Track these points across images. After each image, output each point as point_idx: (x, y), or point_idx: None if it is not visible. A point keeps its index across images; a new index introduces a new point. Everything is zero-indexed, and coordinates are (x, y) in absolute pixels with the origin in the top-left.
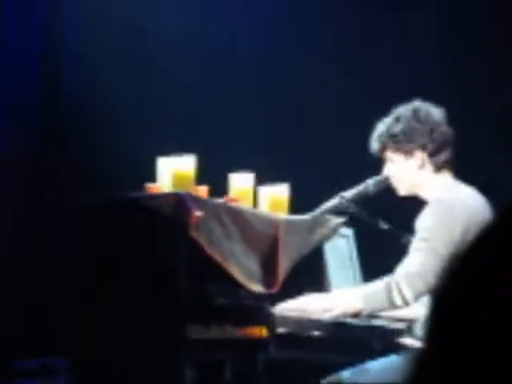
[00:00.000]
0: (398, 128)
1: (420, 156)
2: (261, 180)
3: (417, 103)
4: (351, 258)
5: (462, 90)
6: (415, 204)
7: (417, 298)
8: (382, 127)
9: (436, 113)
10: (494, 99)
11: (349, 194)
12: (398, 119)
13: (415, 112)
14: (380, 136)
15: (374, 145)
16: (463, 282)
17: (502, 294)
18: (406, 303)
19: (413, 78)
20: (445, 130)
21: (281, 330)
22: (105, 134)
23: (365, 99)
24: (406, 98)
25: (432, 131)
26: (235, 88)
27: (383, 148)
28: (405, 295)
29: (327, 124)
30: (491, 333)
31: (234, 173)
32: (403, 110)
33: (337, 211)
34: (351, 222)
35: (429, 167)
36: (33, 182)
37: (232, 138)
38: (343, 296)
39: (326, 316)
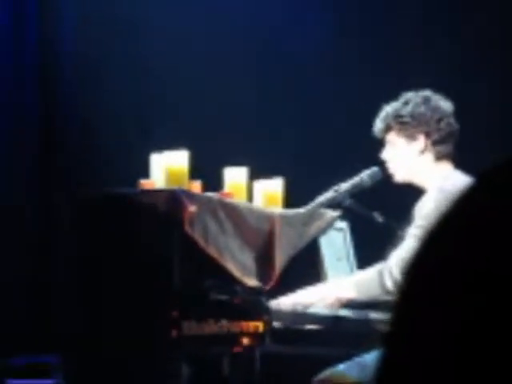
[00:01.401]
0: (405, 110)
1: (423, 142)
2: (254, 174)
3: (427, 92)
4: (347, 251)
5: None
6: (411, 195)
7: None
8: (389, 109)
9: (445, 104)
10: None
11: (344, 186)
12: (406, 103)
13: (425, 98)
14: (386, 116)
15: (379, 125)
16: (435, 254)
17: (475, 269)
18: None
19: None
20: (452, 122)
21: (277, 324)
22: (98, 132)
23: (362, 95)
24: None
25: (439, 120)
26: (228, 82)
27: (387, 129)
28: (397, 280)
29: (321, 117)
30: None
31: (228, 167)
32: (413, 95)
33: (332, 204)
34: (346, 215)
35: (429, 155)
36: (28, 179)
37: (224, 132)
38: (336, 286)
39: (321, 307)
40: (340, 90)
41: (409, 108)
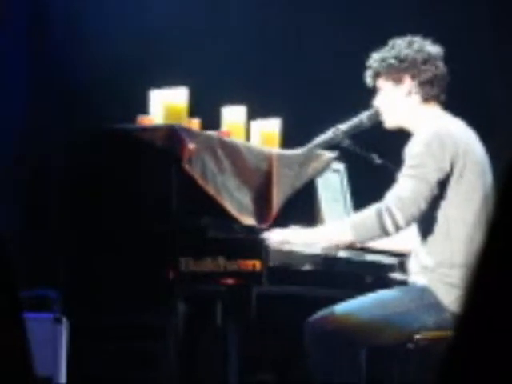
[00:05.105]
0: (391, 54)
1: (409, 84)
2: (252, 114)
3: (415, 37)
4: (343, 193)
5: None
6: (408, 138)
7: (408, 223)
8: (375, 55)
9: (432, 47)
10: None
11: (343, 127)
12: (392, 47)
13: (410, 42)
14: (373, 62)
15: (368, 72)
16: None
17: None
18: (398, 228)
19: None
20: (440, 65)
21: (274, 263)
22: (98, 67)
23: (362, 33)
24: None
25: (425, 62)
26: (229, 21)
27: (375, 75)
28: (397, 220)
29: (321, 57)
30: None
31: (227, 106)
32: (399, 40)
33: (330, 145)
34: (344, 156)
35: (416, 97)
36: (26, 116)
37: (224, 71)
38: (333, 228)
39: (316, 248)
40: (347, 28)
41: (393, 51)
